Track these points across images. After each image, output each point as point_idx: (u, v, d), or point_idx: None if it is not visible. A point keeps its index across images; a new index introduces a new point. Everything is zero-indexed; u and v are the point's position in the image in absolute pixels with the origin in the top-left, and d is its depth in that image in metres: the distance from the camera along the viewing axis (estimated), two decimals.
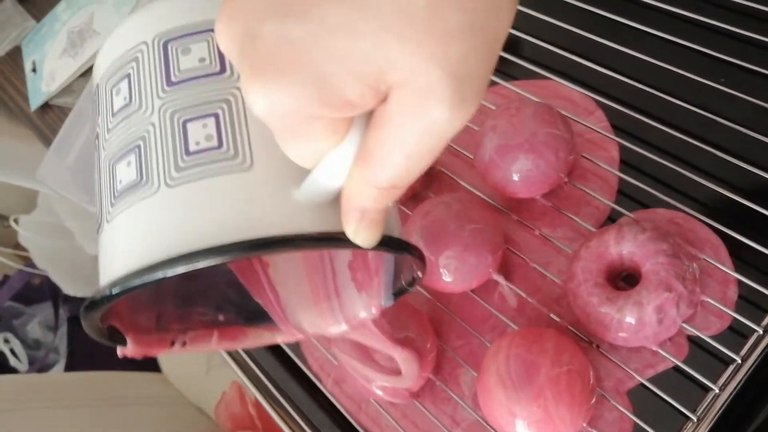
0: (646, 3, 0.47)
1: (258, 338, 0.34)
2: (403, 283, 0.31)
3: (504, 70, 0.53)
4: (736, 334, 0.39)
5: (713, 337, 0.38)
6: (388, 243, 0.23)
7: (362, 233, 0.22)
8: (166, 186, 0.22)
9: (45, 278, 1.32)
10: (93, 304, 0.23)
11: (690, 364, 0.38)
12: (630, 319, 0.38)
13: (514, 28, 0.52)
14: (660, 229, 0.40)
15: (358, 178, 0.20)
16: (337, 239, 0.22)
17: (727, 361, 0.37)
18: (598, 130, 0.46)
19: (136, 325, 0.29)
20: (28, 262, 1.33)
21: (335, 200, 0.22)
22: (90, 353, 1.28)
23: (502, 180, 0.44)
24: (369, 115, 0.20)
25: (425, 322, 0.45)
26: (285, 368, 0.53)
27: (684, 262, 0.38)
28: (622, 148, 0.46)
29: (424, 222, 0.44)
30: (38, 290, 1.36)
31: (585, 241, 0.41)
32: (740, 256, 0.40)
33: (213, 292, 0.33)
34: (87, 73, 0.80)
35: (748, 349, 0.37)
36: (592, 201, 0.45)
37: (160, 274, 0.21)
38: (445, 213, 0.43)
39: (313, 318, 0.33)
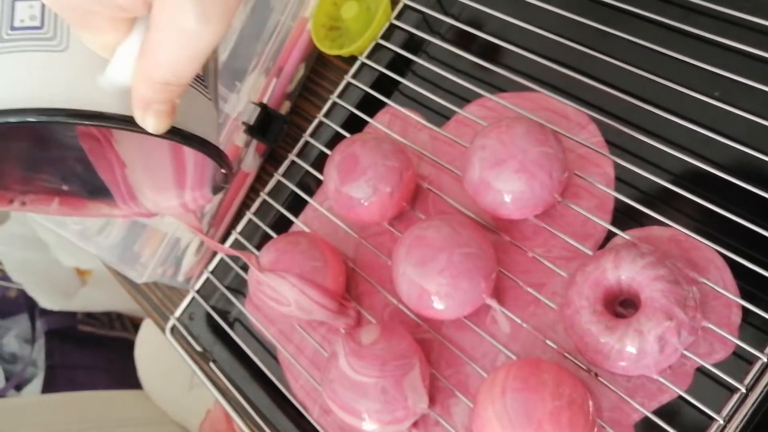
0: (637, 14, 0.45)
1: (96, 210, 0.38)
2: (218, 180, 0.36)
3: (491, 81, 0.51)
4: (741, 360, 0.37)
5: (717, 365, 0.37)
6: (176, 133, 0.27)
7: (149, 121, 0.25)
8: None
9: (21, 290, 1.28)
10: None
11: (695, 393, 0.37)
12: (630, 349, 0.36)
13: (501, 37, 0.50)
14: (659, 252, 0.38)
15: (139, 71, 0.24)
16: (128, 122, 0.26)
17: (732, 390, 0.36)
18: (592, 147, 0.44)
19: None
20: (3, 275, 1.29)
21: None
22: (69, 366, 1.25)
23: (492, 202, 0.42)
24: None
25: (417, 350, 0.43)
26: (269, 396, 0.51)
27: (684, 287, 0.37)
28: (617, 163, 0.44)
29: (412, 246, 0.42)
30: (14, 302, 1.33)
31: (581, 265, 0.39)
32: (743, 278, 0.39)
33: (61, 163, 0.36)
34: None
35: (753, 378, 0.35)
36: (588, 221, 0.43)
37: None
38: (434, 237, 0.42)
39: (153, 197, 0.37)
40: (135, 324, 1.40)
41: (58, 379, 1.20)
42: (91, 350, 1.29)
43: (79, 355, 1.27)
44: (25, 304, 1.30)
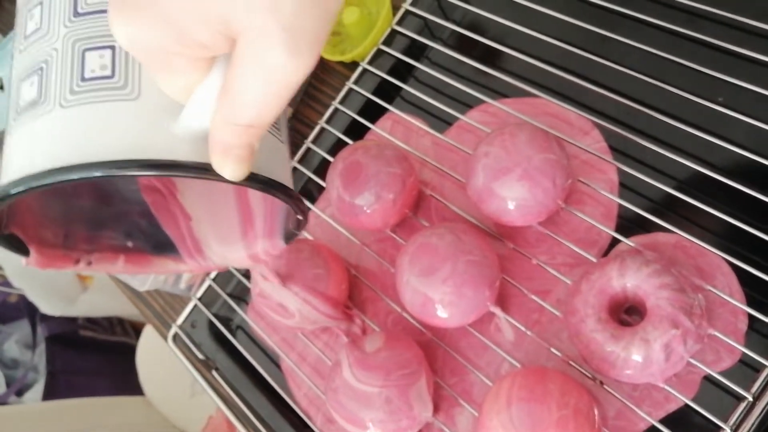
0: (641, 19, 0.45)
1: (162, 266, 0.37)
2: (291, 227, 0.35)
3: (493, 86, 0.51)
4: (748, 368, 0.37)
5: (723, 373, 0.37)
6: (257, 180, 0.26)
7: (228, 167, 0.24)
8: (60, 106, 0.25)
9: (21, 296, 1.28)
10: None
11: (702, 401, 0.36)
12: (636, 357, 0.36)
13: (503, 43, 0.50)
14: (664, 259, 0.38)
15: (219, 114, 0.23)
16: (205, 170, 0.24)
17: (739, 398, 0.36)
18: (595, 153, 0.44)
19: (41, 239, 0.31)
20: (4, 280, 1.29)
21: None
22: (70, 372, 1.25)
23: (497, 210, 0.42)
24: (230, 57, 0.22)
25: (422, 359, 0.43)
26: (272, 404, 0.51)
27: (690, 295, 0.36)
28: (620, 169, 0.44)
29: (416, 255, 0.42)
30: (15, 308, 1.33)
31: (585, 273, 0.39)
32: (750, 285, 0.39)
33: (125, 219, 0.35)
34: None
35: (760, 387, 0.35)
36: (592, 227, 0.43)
37: (41, 182, 0.24)
38: (438, 245, 0.41)
39: (220, 249, 0.36)
40: (136, 329, 1.39)
41: (60, 384, 1.20)
42: (92, 355, 1.29)
43: (80, 360, 1.27)
44: (25, 310, 1.29)
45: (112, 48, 0.25)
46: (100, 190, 0.35)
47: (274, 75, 0.21)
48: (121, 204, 0.35)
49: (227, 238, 0.36)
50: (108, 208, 0.35)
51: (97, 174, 0.23)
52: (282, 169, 0.30)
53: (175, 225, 0.36)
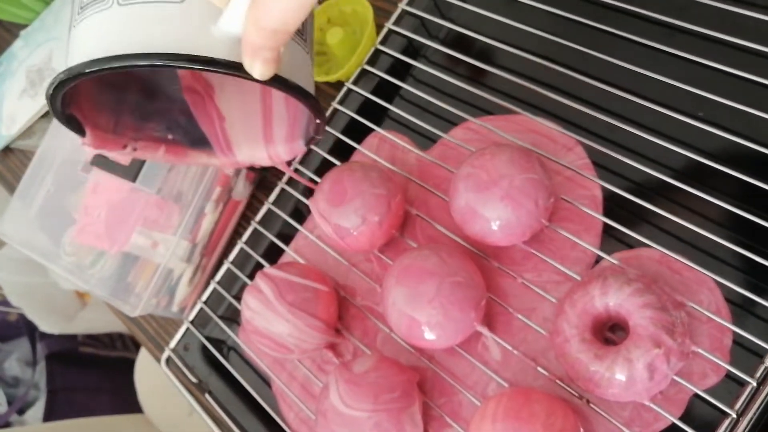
0: (620, 35, 0.45)
1: (197, 159, 0.41)
2: (311, 131, 0.38)
3: (477, 104, 0.51)
4: (734, 382, 0.37)
5: (709, 390, 0.37)
6: (281, 81, 0.29)
7: (257, 67, 0.27)
8: (118, 5, 0.28)
9: (20, 314, 1.28)
10: (55, 87, 0.30)
11: (690, 418, 0.37)
12: (620, 377, 0.36)
13: (486, 61, 0.50)
14: (647, 277, 0.38)
15: (250, 19, 0.26)
16: (237, 68, 0.28)
17: (725, 414, 0.36)
18: (579, 171, 0.44)
19: (95, 123, 0.35)
20: (3, 299, 1.29)
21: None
22: (71, 389, 1.25)
23: (480, 231, 0.42)
24: None
25: (413, 382, 0.43)
26: (266, 426, 0.51)
27: (672, 313, 0.37)
28: (604, 185, 0.44)
29: (401, 277, 0.42)
30: (14, 326, 1.33)
31: (569, 293, 0.39)
32: (735, 298, 0.39)
33: (167, 114, 0.39)
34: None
35: (743, 404, 0.35)
36: (578, 243, 0.43)
37: (97, 66, 0.28)
38: (422, 267, 0.42)
39: (247, 147, 0.41)
40: (137, 343, 1.40)
41: (60, 402, 1.20)
42: (92, 372, 1.29)
43: (80, 377, 1.27)
44: (25, 328, 1.30)
45: None
46: (146, 86, 0.39)
47: None
48: (164, 101, 0.39)
49: (253, 140, 0.40)
50: (153, 103, 0.39)
51: (151, 63, 0.27)
52: (305, 76, 0.33)
53: (210, 124, 0.40)
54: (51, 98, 0.31)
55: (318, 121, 0.35)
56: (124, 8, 0.28)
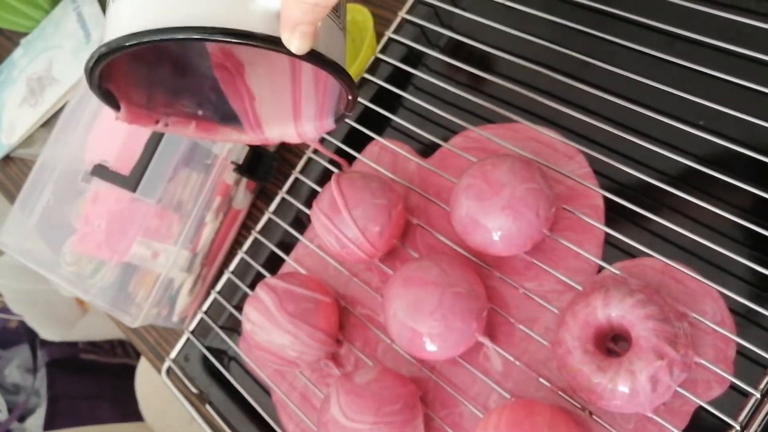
0: (621, 44, 0.45)
1: (227, 135, 0.41)
2: (342, 108, 0.38)
3: (478, 112, 0.51)
4: (738, 394, 0.37)
5: (712, 402, 0.37)
6: (317, 56, 0.30)
7: (294, 41, 0.28)
8: None
9: (21, 321, 1.28)
10: (93, 61, 0.30)
11: (695, 430, 0.36)
12: (623, 389, 0.36)
13: (487, 69, 0.50)
14: (649, 288, 0.38)
15: None
16: (275, 42, 0.28)
17: (729, 426, 0.36)
18: (580, 180, 0.44)
19: (129, 98, 0.36)
20: (3, 306, 1.29)
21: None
22: (71, 396, 1.24)
23: (482, 242, 0.42)
24: None
25: (416, 396, 0.43)
26: None
27: (674, 324, 0.36)
28: (606, 194, 0.44)
29: (402, 288, 0.42)
30: (14, 333, 1.33)
31: (571, 304, 0.39)
32: (739, 308, 0.39)
33: (198, 90, 0.40)
34: (48, 122, 0.77)
35: (747, 416, 0.35)
36: (579, 254, 0.43)
37: (136, 40, 0.28)
38: (423, 278, 0.41)
39: (276, 125, 0.41)
40: (137, 350, 1.39)
41: (61, 409, 1.20)
42: (93, 379, 1.29)
43: (81, 384, 1.27)
44: (25, 334, 1.29)
45: None
46: (178, 62, 0.39)
47: None
48: (195, 77, 0.40)
49: (282, 117, 0.41)
50: (184, 79, 0.39)
51: (189, 36, 0.27)
52: (339, 52, 0.33)
53: (240, 101, 0.40)
54: (90, 72, 0.31)
55: (350, 97, 0.35)
56: None
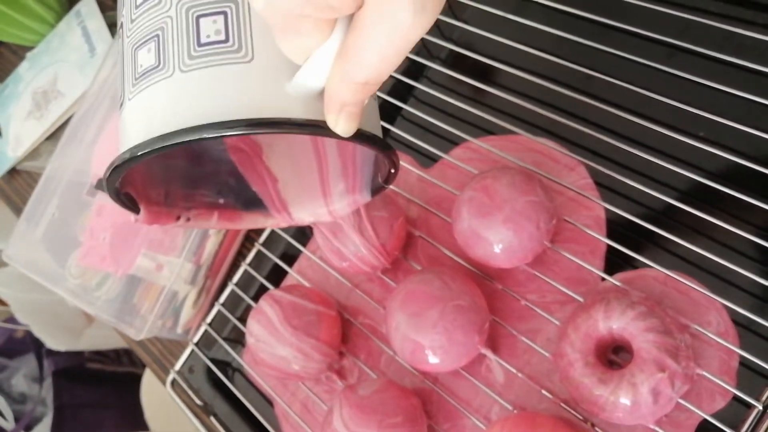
0: (622, 56, 0.46)
1: (253, 222, 0.38)
2: (380, 180, 0.35)
3: (479, 124, 0.51)
4: (741, 405, 0.37)
5: (715, 414, 0.37)
6: (363, 136, 0.27)
7: (341, 123, 0.25)
8: (180, 71, 0.26)
9: (27, 331, 1.29)
10: (114, 168, 0.27)
11: None
12: (625, 401, 0.36)
13: (488, 81, 0.50)
14: (651, 300, 0.38)
15: (337, 73, 0.24)
16: (319, 126, 0.26)
17: None
18: (581, 192, 0.44)
19: (147, 197, 0.33)
20: (9, 316, 1.30)
21: (322, 94, 0.25)
22: (77, 406, 1.25)
23: (484, 254, 0.42)
24: (351, 19, 0.23)
25: (420, 408, 0.43)
26: None
27: (676, 336, 0.36)
28: (607, 206, 0.44)
29: (404, 301, 0.42)
30: (21, 342, 1.33)
31: (572, 316, 0.39)
32: (741, 320, 0.39)
33: (215, 178, 0.37)
34: (54, 135, 0.78)
35: (750, 427, 0.35)
36: (580, 265, 0.43)
37: (169, 141, 0.25)
38: (425, 291, 0.42)
39: (304, 206, 0.38)
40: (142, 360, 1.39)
41: (67, 419, 1.20)
42: (99, 388, 1.29)
43: (87, 393, 1.27)
44: (32, 344, 1.30)
45: (224, 13, 0.26)
46: (191, 150, 0.36)
47: (399, 33, 0.22)
48: (211, 164, 0.37)
49: (310, 197, 0.38)
50: (199, 168, 0.37)
51: (227, 133, 0.25)
52: (376, 122, 0.31)
53: (262, 183, 0.37)
54: (109, 180, 0.28)
55: (392, 170, 0.32)
56: (187, 75, 0.26)
